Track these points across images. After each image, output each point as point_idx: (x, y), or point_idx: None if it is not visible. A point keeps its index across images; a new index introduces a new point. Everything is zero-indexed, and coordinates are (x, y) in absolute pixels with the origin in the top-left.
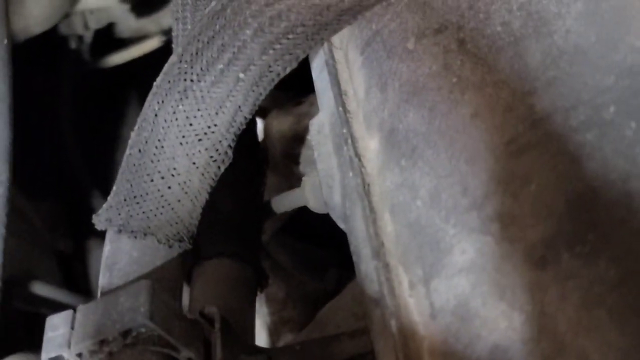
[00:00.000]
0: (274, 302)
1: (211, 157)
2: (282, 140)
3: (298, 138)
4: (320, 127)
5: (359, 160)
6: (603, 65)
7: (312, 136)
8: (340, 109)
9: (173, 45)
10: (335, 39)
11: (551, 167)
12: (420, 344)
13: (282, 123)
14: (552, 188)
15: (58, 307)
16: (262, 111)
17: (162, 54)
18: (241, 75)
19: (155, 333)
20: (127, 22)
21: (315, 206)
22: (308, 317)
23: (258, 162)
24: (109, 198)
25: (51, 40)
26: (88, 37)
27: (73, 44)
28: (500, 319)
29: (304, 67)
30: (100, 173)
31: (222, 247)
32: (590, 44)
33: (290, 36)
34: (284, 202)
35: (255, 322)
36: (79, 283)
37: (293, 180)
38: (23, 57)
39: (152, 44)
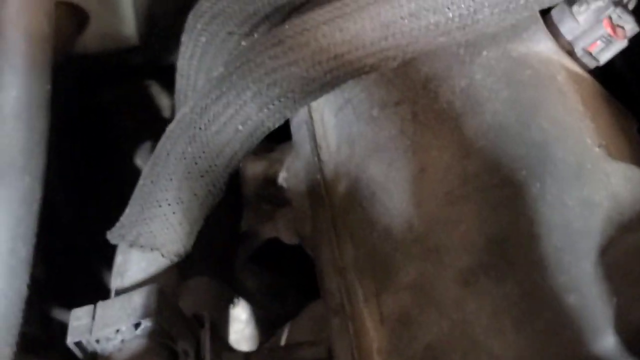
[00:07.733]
0: (237, 322)
1: (209, 190)
2: (255, 181)
3: (270, 180)
4: (297, 173)
5: (329, 200)
6: (519, 139)
7: (289, 180)
8: (315, 159)
9: (175, 95)
10: (313, 103)
11: (476, 214)
12: (371, 344)
13: (256, 166)
14: (476, 229)
15: None
16: None
17: None
18: (240, 127)
19: (160, 327)
20: None
21: (287, 237)
22: (267, 337)
23: (238, 199)
24: (121, 218)
25: None
26: None
27: None
28: (432, 324)
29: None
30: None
31: (204, 267)
32: (511, 123)
33: (282, 99)
34: (257, 233)
35: None
36: None
37: (261, 216)
38: None
39: None
